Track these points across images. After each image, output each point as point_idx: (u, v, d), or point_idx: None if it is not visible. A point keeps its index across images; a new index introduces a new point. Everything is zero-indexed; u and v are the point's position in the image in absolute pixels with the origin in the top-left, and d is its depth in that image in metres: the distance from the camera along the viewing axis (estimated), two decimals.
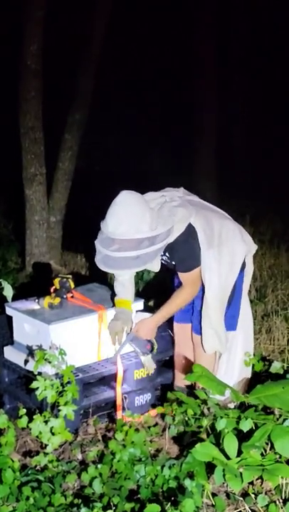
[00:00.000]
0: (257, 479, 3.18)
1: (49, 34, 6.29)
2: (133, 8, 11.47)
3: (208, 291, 3.76)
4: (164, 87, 13.58)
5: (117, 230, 3.46)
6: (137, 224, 3.45)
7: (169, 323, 4.10)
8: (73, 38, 7.90)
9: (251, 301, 5.61)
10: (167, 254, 3.76)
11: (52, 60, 7.17)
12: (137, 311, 3.99)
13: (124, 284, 3.92)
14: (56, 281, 4.11)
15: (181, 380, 4.04)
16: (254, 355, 4.10)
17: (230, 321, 3.89)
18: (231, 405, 3.66)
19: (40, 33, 6.06)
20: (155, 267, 3.84)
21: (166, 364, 4.19)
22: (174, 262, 3.80)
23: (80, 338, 3.86)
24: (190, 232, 3.69)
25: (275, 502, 3.02)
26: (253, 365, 4.12)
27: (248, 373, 4.05)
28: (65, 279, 4.11)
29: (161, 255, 3.74)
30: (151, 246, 3.49)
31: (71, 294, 4.06)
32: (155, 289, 5.26)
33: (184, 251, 3.72)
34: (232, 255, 3.79)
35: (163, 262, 3.84)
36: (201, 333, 3.88)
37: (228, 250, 3.77)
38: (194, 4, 10.14)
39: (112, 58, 10.86)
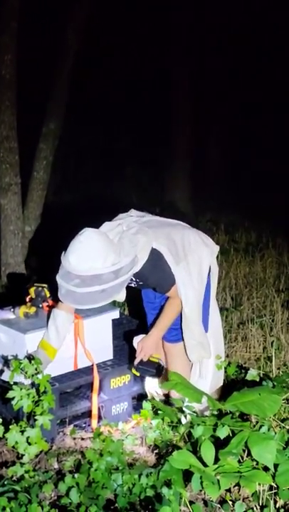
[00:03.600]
0: (234, 486, 3.19)
1: (23, 45, 6.29)
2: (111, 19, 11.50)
3: (185, 306, 3.78)
4: (138, 95, 13.61)
5: (79, 268, 3.43)
6: (99, 262, 3.42)
7: None
8: (47, 48, 7.89)
9: (226, 310, 5.67)
10: (137, 280, 3.77)
11: (26, 70, 7.17)
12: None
13: (59, 328, 3.75)
14: (32, 290, 4.10)
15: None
16: (227, 356, 4.11)
17: (202, 324, 3.91)
18: (207, 413, 3.67)
19: (14, 44, 6.06)
20: (121, 296, 3.81)
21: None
22: (152, 286, 3.84)
23: None
24: (155, 256, 3.71)
25: (252, 509, 3.03)
26: (226, 370, 4.14)
27: (220, 378, 4.07)
28: (40, 288, 4.09)
29: (130, 281, 3.74)
30: (116, 279, 3.47)
31: (47, 303, 4.04)
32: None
33: (156, 275, 3.75)
34: (199, 263, 3.82)
35: (133, 286, 3.84)
36: (176, 342, 3.90)
37: (193, 259, 3.80)
38: (170, 15, 10.17)
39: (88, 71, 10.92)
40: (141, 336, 3.86)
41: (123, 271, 3.49)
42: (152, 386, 3.96)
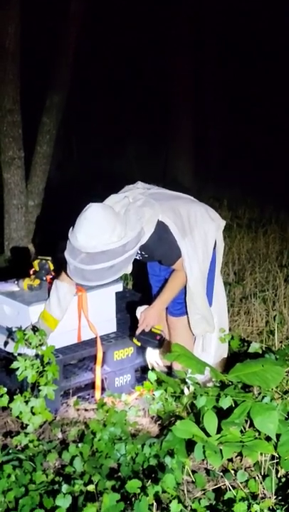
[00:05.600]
0: (236, 456, 3.22)
1: (27, 17, 6.25)
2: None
3: (190, 279, 3.78)
4: (140, 73, 13.54)
5: (87, 244, 3.41)
6: (106, 237, 3.41)
7: None
8: (51, 21, 7.83)
9: (229, 284, 5.68)
10: (143, 252, 3.78)
11: (30, 42, 7.13)
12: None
13: (60, 299, 3.79)
14: (35, 263, 4.11)
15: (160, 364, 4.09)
16: (230, 330, 4.13)
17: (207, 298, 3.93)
18: (210, 384, 3.69)
19: (17, 16, 6.02)
20: (128, 269, 3.81)
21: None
22: (158, 259, 3.85)
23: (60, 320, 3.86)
24: (161, 228, 3.71)
25: (254, 478, 3.06)
26: (230, 344, 4.16)
27: (224, 351, 4.10)
28: (44, 261, 4.10)
29: (136, 254, 3.75)
30: (123, 254, 3.46)
31: (51, 276, 4.06)
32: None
33: (163, 247, 3.75)
34: (204, 237, 3.82)
35: (138, 258, 3.85)
36: (179, 316, 3.92)
37: (199, 233, 3.80)
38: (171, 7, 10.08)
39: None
40: (144, 307, 3.87)
41: (130, 245, 3.48)
42: (153, 357, 3.98)
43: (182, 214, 3.78)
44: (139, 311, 3.87)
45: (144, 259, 3.87)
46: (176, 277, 3.82)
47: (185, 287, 3.83)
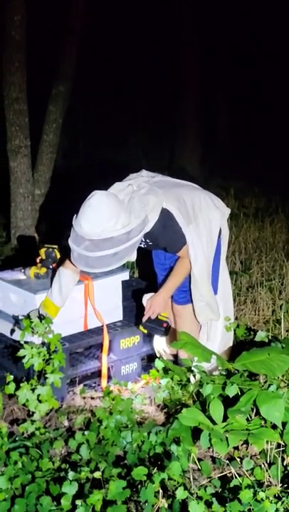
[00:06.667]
0: (242, 444, 3.23)
1: (33, 5, 6.24)
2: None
3: (194, 266, 3.78)
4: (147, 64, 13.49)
5: (91, 232, 3.42)
6: (111, 224, 3.42)
7: None
8: (57, 9, 7.80)
9: (236, 273, 5.68)
10: (148, 240, 3.77)
11: (36, 31, 7.12)
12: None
13: (62, 287, 3.77)
14: (42, 251, 4.11)
15: (166, 353, 4.08)
16: (236, 318, 4.12)
17: (212, 286, 3.93)
18: (216, 373, 3.70)
19: (23, 4, 6.01)
20: (132, 257, 3.82)
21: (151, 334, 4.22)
22: (163, 247, 3.84)
23: (66, 308, 3.87)
24: (166, 216, 3.70)
25: (260, 466, 3.07)
26: (236, 333, 4.16)
27: (230, 340, 4.10)
28: (50, 249, 4.10)
29: (140, 242, 3.75)
30: (127, 241, 3.46)
31: (57, 264, 4.06)
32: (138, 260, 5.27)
33: (167, 235, 3.75)
34: (208, 224, 3.82)
35: (142, 246, 3.84)
36: (184, 304, 3.92)
37: (203, 220, 3.79)
38: None
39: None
40: (150, 294, 3.87)
41: (134, 232, 3.48)
42: (160, 344, 3.98)
43: (186, 201, 3.78)
44: (145, 298, 3.88)
45: (148, 247, 3.87)
46: (181, 265, 3.82)
47: (190, 275, 3.83)
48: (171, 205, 3.71)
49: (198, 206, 3.80)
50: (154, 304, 3.81)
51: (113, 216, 3.42)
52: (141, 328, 3.87)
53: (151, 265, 4.19)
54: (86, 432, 3.23)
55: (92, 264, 3.47)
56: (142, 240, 3.70)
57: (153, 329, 3.85)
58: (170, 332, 3.96)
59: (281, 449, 3.13)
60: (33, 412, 3.44)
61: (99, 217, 3.42)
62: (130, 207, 3.54)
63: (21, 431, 3.31)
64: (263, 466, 3.07)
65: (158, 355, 3.98)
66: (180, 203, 3.74)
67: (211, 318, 3.95)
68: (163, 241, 3.78)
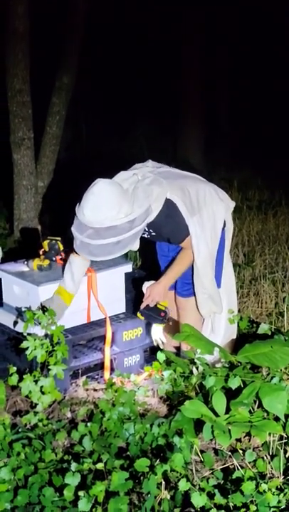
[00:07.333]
0: (245, 436, 3.23)
1: None
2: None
3: (197, 258, 3.78)
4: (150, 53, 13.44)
5: (94, 219, 3.42)
6: (113, 213, 3.42)
7: None
8: (60, 1, 7.79)
9: (239, 266, 5.67)
10: (151, 230, 3.77)
11: (40, 23, 7.10)
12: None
13: (74, 274, 3.81)
14: (45, 243, 4.12)
15: (169, 345, 4.08)
16: (239, 311, 4.12)
17: (216, 279, 3.92)
18: (219, 365, 3.70)
19: None
20: (135, 246, 3.82)
21: None
22: (166, 237, 3.84)
23: None
24: (170, 206, 3.69)
25: (262, 458, 3.07)
26: (239, 325, 4.16)
27: (233, 332, 4.10)
28: (54, 241, 4.11)
29: (143, 232, 3.74)
30: (130, 230, 3.46)
31: (60, 256, 4.07)
32: (141, 252, 5.27)
33: (170, 225, 3.74)
34: (213, 217, 3.81)
35: (146, 236, 3.84)
36: (188, 296, 3.91)
37: (207, 212, 3.78)
38: None
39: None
40: (150, 282, 3.88)
41: (137, 221, 3.48)
42: (157, 334, 3.98)
43: (191, 193, 3.77)
44: (146, 286, 3.88)
45: (152, 237, 3.87)
46: (184, 255, 3.81)
47: (192, 267, 3.83)
48: (176, 195, 3.70)
49: (202, 198, 3.80)
50: (154, 291, 3.81)
51: (116, 205, 3.43)
52: (139, 315, 3.88)
53: (154, 257, 4.19)
54: (89, 424, 3.24)
55: (94, 252, 3.48)
56: (145, 230, 3.70)
57: (150, 317, 3.86)
58: (173, 324, 3.96)
59: (283, 441, 3.13)
60: (36, 404, 3.44)
61: (101, 205, 3.42)
62: (134, 196, 3.54)
63: (24, 422, 3.32)
64: (265, 458, 3.08)
65: (155, 344, 3.98)
66: (184, 194, 3.74)
67: (214, 311, 3.95)
68: (166, 231, 3.78)
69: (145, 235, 3.79)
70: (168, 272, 3.85)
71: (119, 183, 3.58)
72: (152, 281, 3.87)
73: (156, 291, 3.82)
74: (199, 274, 3.81)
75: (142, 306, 3.84)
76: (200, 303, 3.89)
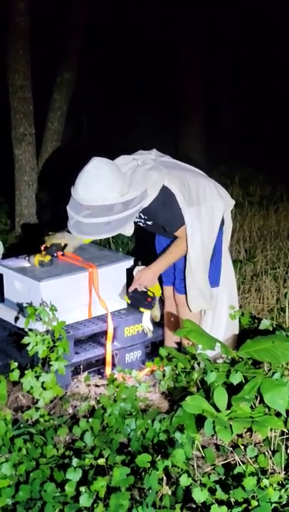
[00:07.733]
0: (246, 431, 3.24)
1: None
2: None
3: (191, 249, 3.76)
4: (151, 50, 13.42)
5: (86, 197, 3.43)
6: (107, 191, 3.42)
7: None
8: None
9: (241, 262, 5.67)
10: (145, 217, 3.76)
11: (41, 18, 7.10)
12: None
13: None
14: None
15: (170, 341, 4.08)
16: (240, 307, 4.12)
17: (214, 277, 3.92)
18: (220, 361, 3.70)
19: None
20: (127, 231, 3.80)
21: (156, 322, 4.21)
22: (161, 225, 3.81)
23: (71, 296, 3.87)
24: (166, 194, 3.68)
25: (264, 453, 3.07)
26: (240, 321, 4.16)
27: (235, 328, 4.09)
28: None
29: (138, 219, 3.73)
30: (123, 212, 3.46)
31: (61, 252, 4.06)
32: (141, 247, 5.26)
33: (166, 213, 3.73)
34: (211, 212, 3.80)
35: (141, 225, 3.83)
36: (185, 293, 3.90)
37: (206, 208, 3.77)
38: None
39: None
40: (142, 267, 3.89)
41: (131, 204, 3.48)
42: (146, 322, 3.98)
43: (191, 186, 3.76)
44: (136, 270, 3.90)
45: (147, 226, 3.85)
46: (177, 244, 3.80)
47: (185, 261, 3.82)
48: (174, 184, 3.69)
49: (202, 193, 3.79)
50: (143, 276, 3.82)
51: (109, 183, 3.43)
52: (125, 297, 3.91)
53: (154, 252, 4.18)
54: (90, 419, 3.24)
55: (84, 230, 3.52)
56: (140, 217, 3.70)
57: (137, 301, 3.88)
58: (174, 320, 3.96)
59: (285, 436, 3.13)
60: (38, 400, 3.45)
61: (95, 182, 3.43)
62: (131, 179, 3.54)
63: (26, 418, 3.33)
64: (266, 453, 3.08)
65: (145, 331, 3.98)
66: (184, 185, 3.72)
67: (203, 307, 3.93)
68: (161, 219, 3.76)
69: (141, 224, 3.78)
70: (160, 259, 3.84)
71: (118, 165, 3.58)
72: (143, 266, 3.88)
73: (145, 277, 3.82)
74: (191, 268, 3.79)
75: (130, 289, 3.85)
76: (190, 298, 3.86)
